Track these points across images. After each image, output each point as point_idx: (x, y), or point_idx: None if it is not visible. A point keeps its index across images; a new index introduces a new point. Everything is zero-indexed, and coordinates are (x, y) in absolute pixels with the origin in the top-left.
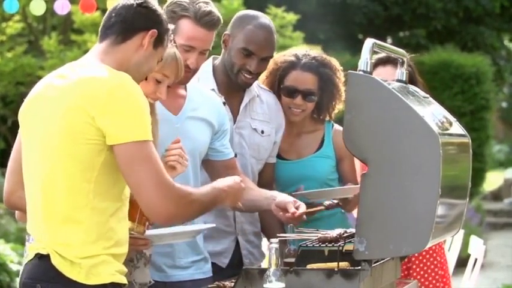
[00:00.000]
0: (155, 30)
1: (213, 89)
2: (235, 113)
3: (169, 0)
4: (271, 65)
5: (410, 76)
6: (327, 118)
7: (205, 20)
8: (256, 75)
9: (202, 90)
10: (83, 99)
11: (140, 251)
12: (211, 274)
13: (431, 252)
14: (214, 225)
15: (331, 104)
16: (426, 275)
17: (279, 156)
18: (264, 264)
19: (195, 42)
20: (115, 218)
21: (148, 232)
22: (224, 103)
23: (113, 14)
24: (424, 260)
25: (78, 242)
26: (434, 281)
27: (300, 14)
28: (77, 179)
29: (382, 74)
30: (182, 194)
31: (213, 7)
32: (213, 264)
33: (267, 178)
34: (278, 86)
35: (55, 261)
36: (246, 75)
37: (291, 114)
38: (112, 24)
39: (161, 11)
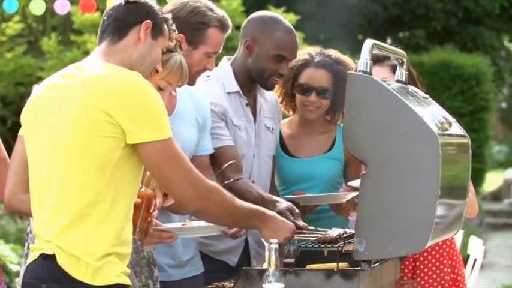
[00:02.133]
0: (149, 21)
1: (237, 91)
2: (253, 114)
3: (184, 9)
4: None
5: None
6: (340, 121)
7: (227, 26)
8: (283, 77)
9: (189, 88)
10: (94, 96)
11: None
12: (203, 269)
13: (439, 254)
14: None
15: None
16: (430, 273)
17: (288, 154)
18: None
19: (219, 47)
20: (125, 218)
21: (173, 225)
22: (247, 104)
23: (105, 18)
24: (433, 260)
25: (86, 241)
26: (439, 279)
27: (299, 14)
28: (91, 176)
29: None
30: (211, 190)
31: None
32: (222, 262)
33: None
34: (292, 84)
35: (61, 261)
36: (276, 79)
37: (306, 112)
38: (106, 27)
39: (153, 3)
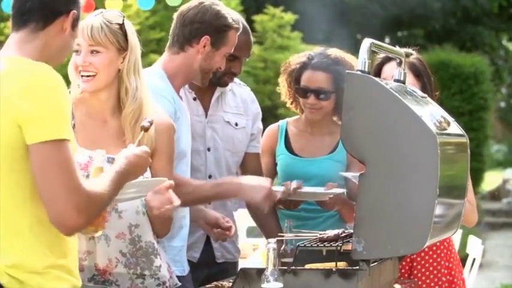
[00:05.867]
0: (75, 12)
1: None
2: (206, 107)
3: (209, 13)
4: (287, 66)
5: (418, 70)
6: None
7: (241, 27)
8: (236, 75)
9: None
10: (6, 96)
11: None
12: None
13: (436, 254)
14: (166, 179)
15: None
16: (427, 273)
17: (292, 153)
18: (261, 263)
19: (239, 51)
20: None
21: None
22: (195, 98)
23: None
24: (431, 260)
25: (24, 257)
26: (436, 279)
27: (298, 14)
28: (9, 186)
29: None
30: (94, 200)
31: None
32: None
33: (253, 168)
34: (295, 87)
35: (3, 280)
36: (230, 77)
37: (308, 113)
38: (29, 10)
39: None
